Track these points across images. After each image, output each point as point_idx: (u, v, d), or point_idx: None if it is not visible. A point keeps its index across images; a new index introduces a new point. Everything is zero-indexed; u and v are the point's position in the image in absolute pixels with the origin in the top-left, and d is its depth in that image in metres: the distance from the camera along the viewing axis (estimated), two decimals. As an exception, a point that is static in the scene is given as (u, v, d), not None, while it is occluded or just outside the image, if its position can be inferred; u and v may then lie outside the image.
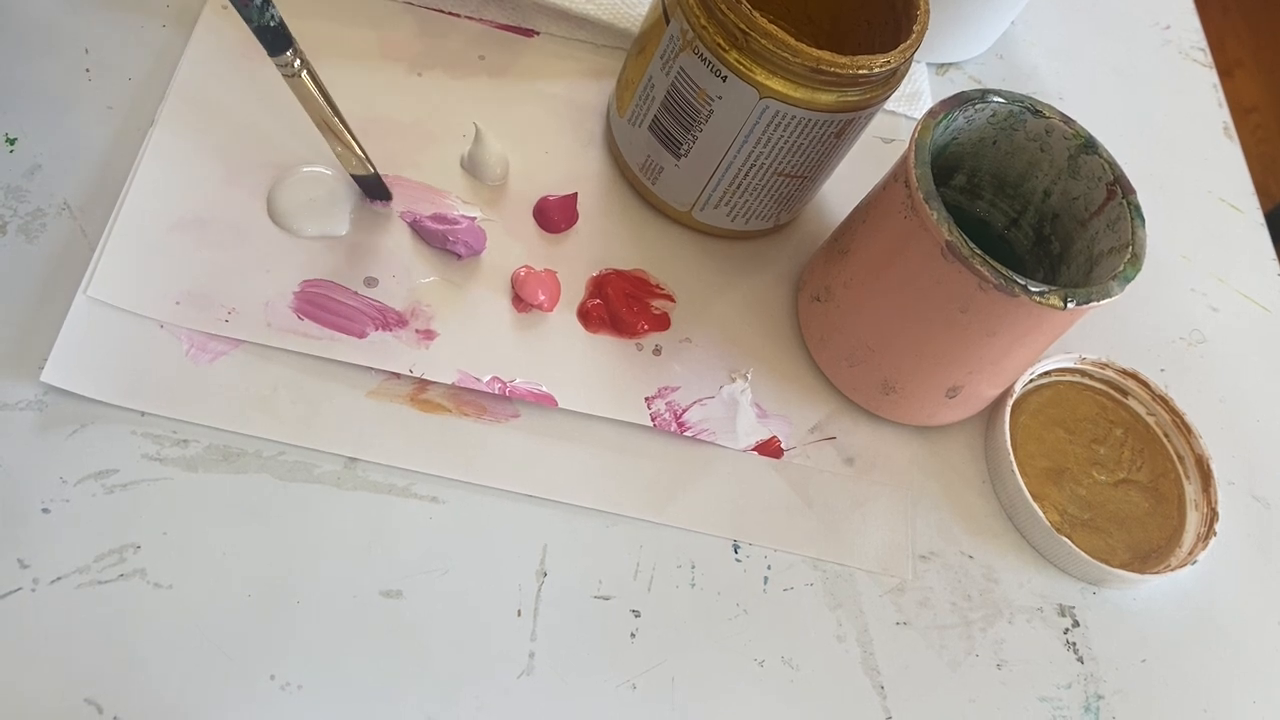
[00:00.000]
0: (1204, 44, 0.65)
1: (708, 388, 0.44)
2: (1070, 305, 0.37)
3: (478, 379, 0.41)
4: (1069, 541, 0.42)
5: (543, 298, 0.43)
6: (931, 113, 0.40)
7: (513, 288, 0.43)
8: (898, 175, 0.40)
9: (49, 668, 0.33)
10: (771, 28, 0.38)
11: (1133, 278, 0.39)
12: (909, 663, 0.40)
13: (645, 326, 0.44)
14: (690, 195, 0.45)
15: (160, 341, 0.39)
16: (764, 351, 0.45)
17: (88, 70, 0.44)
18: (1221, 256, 0.55)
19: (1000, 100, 0.41)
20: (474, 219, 0.44)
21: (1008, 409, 0.44)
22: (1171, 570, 0.43)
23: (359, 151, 0.41)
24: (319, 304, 0.41)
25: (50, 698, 0.33)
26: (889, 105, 0.54)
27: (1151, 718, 0.42)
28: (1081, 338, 0.49)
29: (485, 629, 0.37)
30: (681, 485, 0.41)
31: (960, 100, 0.41)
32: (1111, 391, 0.48)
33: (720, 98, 0.40)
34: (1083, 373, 0.48)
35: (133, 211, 0.41)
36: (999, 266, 0.37)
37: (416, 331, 0.41)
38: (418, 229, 0.43)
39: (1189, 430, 0.47)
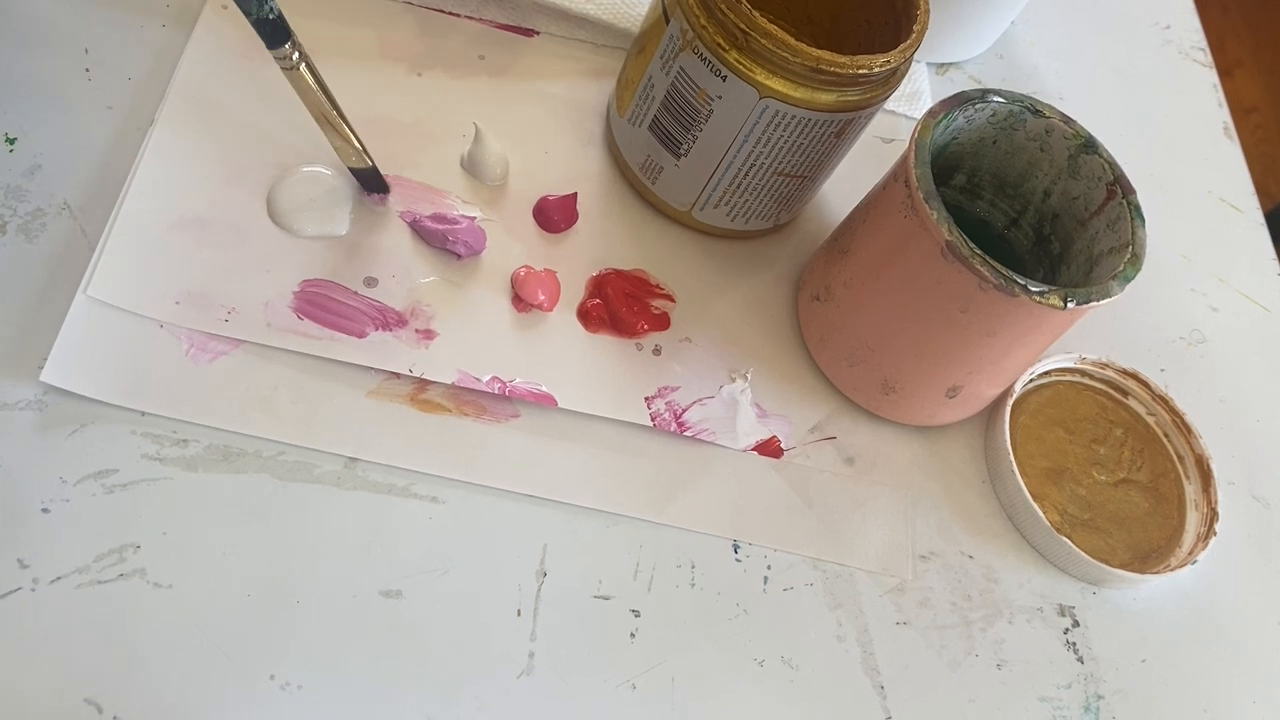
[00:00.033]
0: (1204, 44, 0.65)
1: (708, 388, 0.44)
2: (1070, 305, 0.37)
3: (477, 379, 0.41)
4: (1069, 541, 0.42)
5: (543, 297, 0.43)
6: (931, 112, 0.40)
7: (512, 288, 0.43)
8: (898, 175, 0.40)
9: (49, 668, 0.33)
10: (771, 27, 0.38)
11: (1133, 278, 0.39)
12: (909, 663, 0.40)
13: (645, 326, 0.44)
14: (690, 195, 0.45)
15: (160, 341, 0.39)
16: (764, 351, 0.45)
17: (87, 70, 0.44)
18: (1221, 256, 0.55)
19: (1000, 100, 0.41)
20: (474, 219, 0.44)
21: (1008, 409, 0.44)
22: (1171, 570, 0.43)
23: (357, 144, 0.41)
24: (319, 304, 0.41)
25: (50, 698, 0.33)
26: (889, 105, 0.54)
27: (1151, 718, 0.42)
28: (1081, 338, 0.49)
29: (485, 629, 0.37)
30: (681, 485, 0.41)
31: (960, 100, 0.41)
32: (1111, 391, 0.48)
33: (720, 97, 0.40)
34: (1083, 373, 0.48)
35: (133, 211, 0.41)
36: (999, 266, 0.37)
37: (416, 331, 0.41)
38: (417, 229, 0.43)
39: (1189, 430, 0.47)
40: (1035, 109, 0.42)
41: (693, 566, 0.40)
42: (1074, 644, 0.42)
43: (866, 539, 0.42)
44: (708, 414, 0.43)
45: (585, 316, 0.44)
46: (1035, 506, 0.43)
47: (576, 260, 0.45)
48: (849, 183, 0.48)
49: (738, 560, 0.41)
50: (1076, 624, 0.43)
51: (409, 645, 0.36)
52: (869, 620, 0.41)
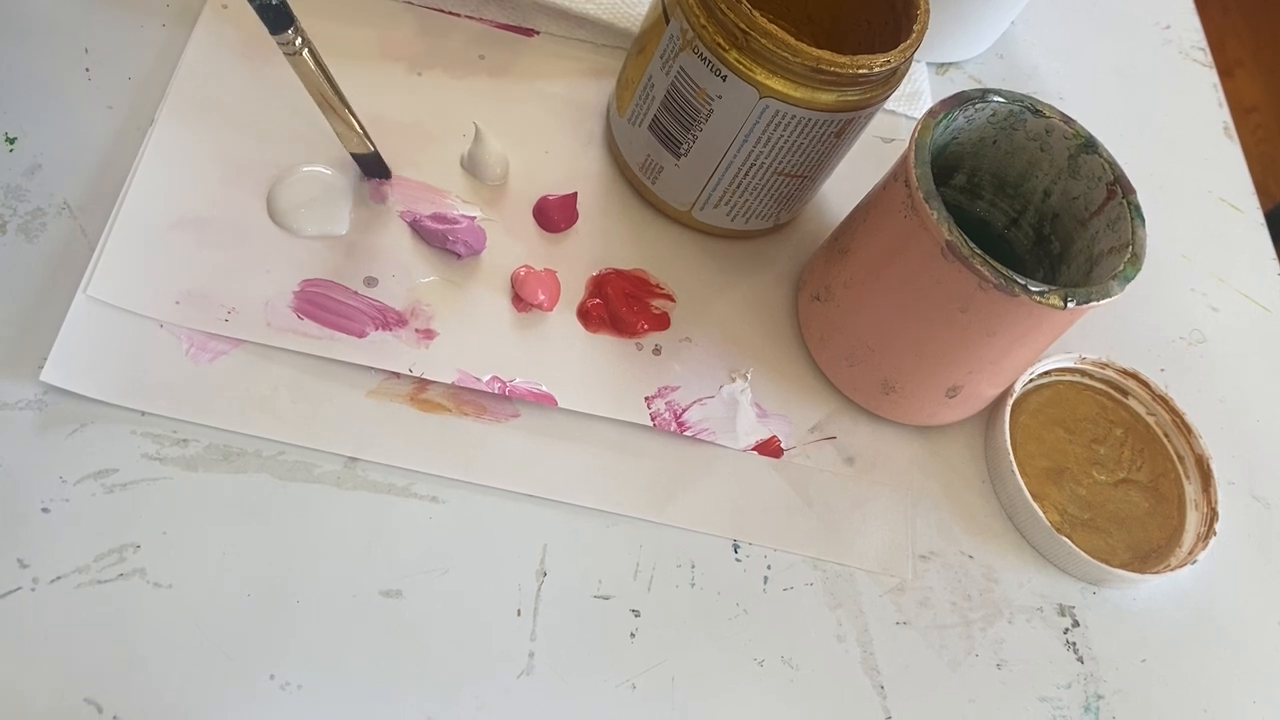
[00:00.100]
0: (1204, 44, 0.65)
1: (708, 387, 0.44)
2: (1070, 305, 0.37)
3: (477, 378, 0.41)
4: (1069, 541, 0.42)
5: (543, 297, 0.43)
6: (931, 112, 0.40)
7: (512, 287, 0.43)
8: (898, 175, 0.40)
9: (49, 667, 0.33)
10: (771, 27, 0.38)
11: (1133, 277, 0.39)
12: (909, 663, 0.40)
13: (645, 326, 0.44)
14: (690, 195, 0.45)
15: (160, 341, 0.39)
16: (764, 351, 0.45)
17: (88, 70, 0.44)
18: (1221, 256, 0.55)
19: (1000, 100, 0.41)
20: (474, 218, 0.44)
21: (1008, 409, 0.44)
22: (1171, 570, 0.43)
23: (359, 129, 0.41)
24: (319, 303, 0.41)
25: (50, 697, 0.33)
26: (889, 105, 0.54)
27: (1151, 718, 0.42)
28: (1081, 337, 0.49)
29: (485, 629, 0.37)
30: (681, 485, 0.41)
31: (960, 100, 0.41)
32: (1111, 391, 0.48)
33: (720, 97, 0.40)
34: (1083, 372, 0.48)
35: (133, 211, 0.41)
36: (999, 266, 0.37)
37: (416, 331, 0.41)
38: (418, 228, 0.43)
39: (1189, 430, 0.47)
40: (1035, 109, 0.42)
41: (693, 566, 0.40)
42: (1074, 644, 0.42)
43: (866, 539, 0.42)
44: (708, 414, 0.43)
45: (585, 316, 0.44)
46: (1035, 506, 0.43)
47: (576, 260, 0.45)
48: (849, 183, 0.48)
49: (738, 560, 0.41)
50: (1076, 624, 0.43)
51: (409, 645, 0.36)
52: (869, 620, 0.41)
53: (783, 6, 0.48)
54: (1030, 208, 0.45)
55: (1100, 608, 0.43)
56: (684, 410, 0.43)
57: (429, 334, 0.41)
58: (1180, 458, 0.47)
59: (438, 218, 0.44)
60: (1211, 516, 0.45)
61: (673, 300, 0.45)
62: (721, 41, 0.39)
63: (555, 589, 0.38)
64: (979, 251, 0.37)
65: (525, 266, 0.44)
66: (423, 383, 0.41)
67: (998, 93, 0.41)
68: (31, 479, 0.36)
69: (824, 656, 0.40)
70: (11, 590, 0.34)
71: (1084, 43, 0.62)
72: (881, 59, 0.39)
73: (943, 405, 0.43)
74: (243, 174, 0.43)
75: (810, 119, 0.40)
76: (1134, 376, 0.48)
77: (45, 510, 0.36)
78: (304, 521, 0.37)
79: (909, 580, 0.42)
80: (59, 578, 0.35)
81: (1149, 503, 0.45)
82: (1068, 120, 0.42)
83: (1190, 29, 0.65)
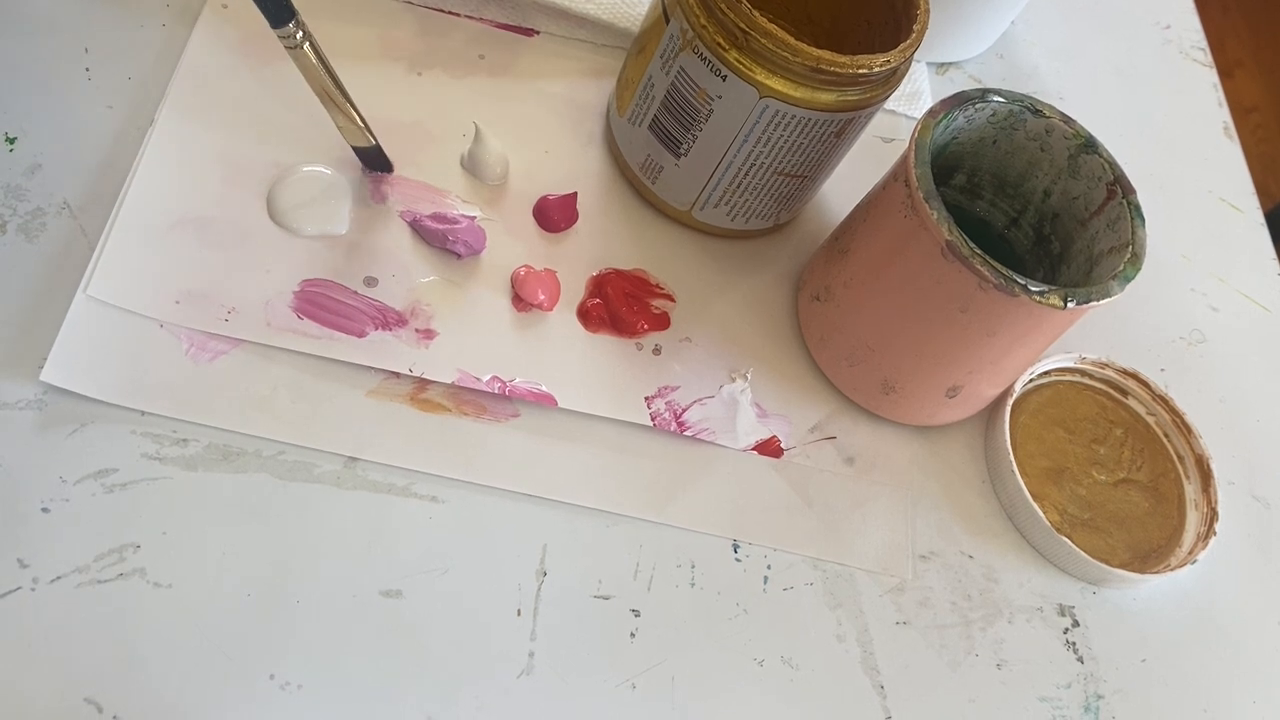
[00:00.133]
0: (1204, 44, 0.65)
1: (708, 387, 0.44)
2: (1070, 305, 0.37)
3: (477, 378, 0.41)
4: (1069, 541, 0.42)
5: (542, 297, 0.43)
6: (931, 112, 0.40)
7: (512, 287, 0.43)
8: (898, 175, 0.40)
9: (49, 667, 0.33)
10: (771, 27, 0.38)
11: (1133, 277, 0.39)
12: (909, 662, 0.40)
13: (645, 326, 0.44)
14: (690, 195, 0.45)
15: (160, 341, 0.39)
16: (764, 351, 0.45)
17: (87, 69, 0.44)
18: (1221, 256, 0.55)
19: (1000, 100, 0.41)
20: (474, 218, 0.44)
21: (1008, 409, 0.44)
22: (1171, 570, 0.43)
23: (360, 123, 0.41)
24: (319, 303, 0.41)
25: (50, 697, 0.33)
26: (889, 105, 0.54)
27: (1151, 718, 0.42)
28: (1081, 337, 0.49)
29: (485, 629, 0.37)
30: (681, 485, 0.41)
31: (960, 100, 0.41)
32: (1111, 391, 0.48)
33: (720, 97, 0.40)
34: (1083, 372, 0.48)
35: (133, 211, 0.41)
36: (999, 266, 0.37)
37: (416, 331, 0.41)
38: (417, 228, 0.43)
39: (1189, 430, 0.47)
40: (1035, 109, 0.42)
41: (693, 566, 0.40)
42: (1074, 644, 0.42)
43: (866, 539, 0.42)
44: (708, 414, 0.43)
45: (585, 316, 0.44)
46: (1035, 506, 0.43)
47: (576, 260, 0.45)
48: (849, 183, 0.47)
49: (738, 560, 0.41)
50: (1076, 624, 0.43)
51: (409, 645, 0.36)
52: (869, 620, 0.41)
53: (783, 6, 0.48)
54: (1030, 208, 0.45)
55: (1100, 608, 0.43)
56: (684, 410, 0.43)
57: (429, 334, 0.41)
58: (1180, 458, 0.47)
59: (438, 217, 0.44)
60: (1211, 516, 0.45)
61: (673, 300, 0.45)
62: (721, 41, 0.39)
63: (555, 589, 0.38)
64: (979, 251, 0.37)
65: (525, 266, 0.44)
66: (423, 382, 0.41)
67: (998, 93, 0.41)
68: (31, 479, 0.36)
69: (824, 656, 0.40)
70: (11, 590, 0.34)
71: (1084, 43, 0.62)
72: (881, 59, 0.39)
73: (943, 405, 0.43)
74: (243, 174, 0.43)
75: (810, 119, 0.40)
76: (1134, 376, 0.48)
77: (45, 510, 0.36)
78: (304, 521, 0.37)
79: (909, 580, 0.42)
80: (59, 578, 0.35)
81: (1149, 503, 0.45)
82: (1068, 120, 0.42)
83: (1190, 29, 0.65)
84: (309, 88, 0.40)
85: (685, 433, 0.42)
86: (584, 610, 0.38)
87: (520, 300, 0.43)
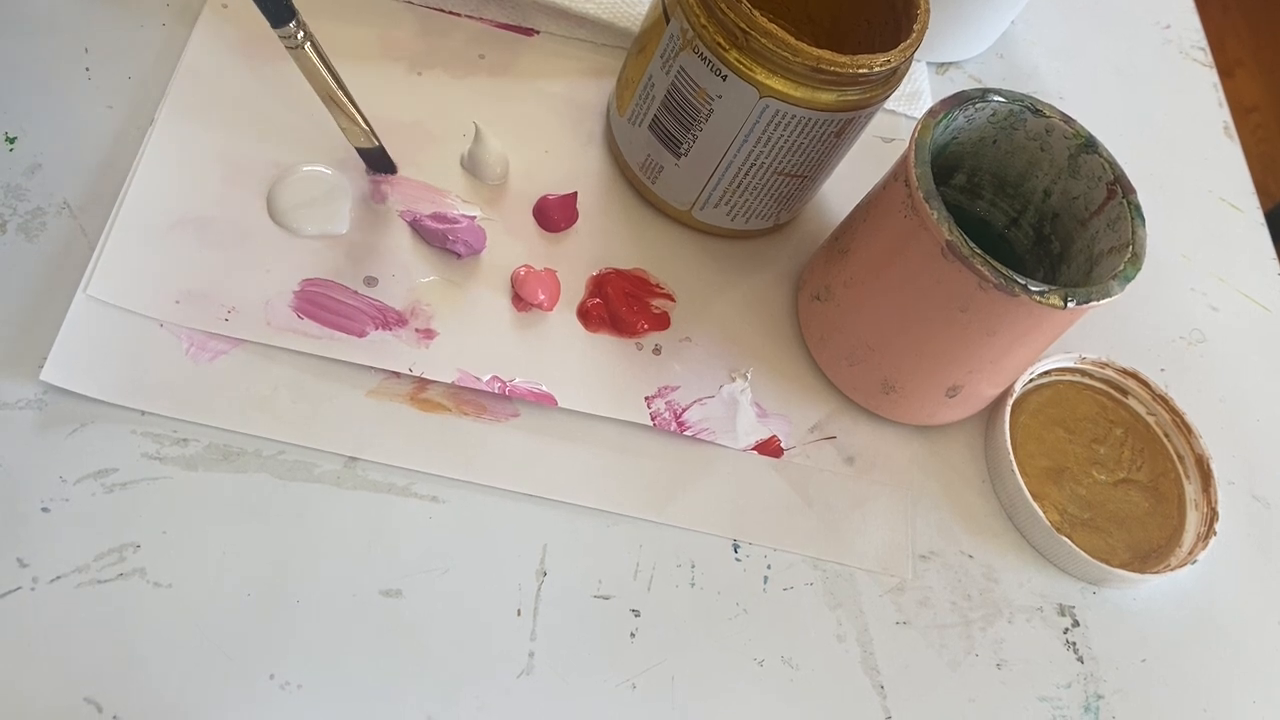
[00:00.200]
0: (1204, 43, 0.65)
1: (708, 387, 0.44)
2: (1070, 305, 0.37)
3: (477, 378, 0.41)
4: (1069, 541, 0.42)
5: (542, 297, 0.43)
6: (931, 112, 0.40)
7: (512, 287, 0.43)
8: (898, 174, 0.40)
9: (49, 667, 0.33)
10: (771, 27, 0.38)
11: (1133, 277, 0.39)
12: (909, 662, 0.40)
13: (645, 326, 0.44)
14: (690, 194, 0.45)
15: (160, 340, 0.39)
16: (764, 351, 0.45)
17: (87, 69, 0.44)
18: (1221, 256, 0.55)
19: (1000, 99, 0.41)
20: (474, 218, 0.44)
21: (1008, 408, 0.44)
22: (1171, 570, 0.43)
23: (363, 124, 0.41)
24: (319, 303, 0.41)
25: (50, 697, 0.33)
26: (889, 104, 0.54)
27: (1151, 718, 0.42)
28: (1081, 337, 0.49)
29: (485, 629, 0.37)
30: (681, 485, 0.41)
31: (960, 99, 0.41)
32: (1111, 391, 0.48)
33: (720, 97, 0.40)
34: (1083, 372, 0.48)
35: (133, 210, 0.41)
36: (999, 266, 0.37)
37: (416, 331, 0.41)
38: (418, 228, 0.43)
39: (1189, 430, 0.47)
40: (1035, 108, 0.42)
41: (693, 566, 0.40)
42: (1074, 644, 0.42)
43: (866, 539, 0.42)
44: (708, 413, 0.43)
45: (585, 316, 0.44)
46: (1035, 506, 0.43)
47: (576, 260, 0.45)
48: (849, 182, 0.47)
49: (738, 560, 0.41)
50: (1076, 624, 0.43)
51: (409, 645, 0.36)
52: (869, 620, 0.41)
53: (783, 6, 0.48)
54: (1030, 207, 0.45)
55: (1100, 608, 0.43)
56: (684, 410, 0.43)
57: (429, 334, 0.41)
58: (1180, 457, 0.47)
59: (438, 217, 0.44)
60: (1211, 516, 0.45)
61: (673, 300, 0.45)
62: (721, 41, 0.39)
63: (555, 589, 0.38)
64: (979, 251, 0.37)
65: (525, 266, 0.44)
66: (423, 382, 0.41)
67: (998, 92, 0.41)
68: (31, 479, 0.36)
69: (824, 656, 0.40)
70: (11, 590, 0.34)
71: (1084, 42, 0.62)
72: (881, 59, 0.39)
73: (943, 405, 0.43)
74: (243, 174, 0.43)
75: (810, 119, 0.40)
76: (1134, 376, 0.48)
77: (45, 510, 0.36)
78: (304, 521, 0.37)
79: (909, 580, 0.42)
80: (59, 577, 0.35)
81: (1149, 503, 0.45)
82: (1068, 120, 0.42)
83: (1190, 29, 0.65)
84: (309, 87, 0.40)
85: (685, 432, 0.42)
86: (584, 610, 0.38)
87: (520, 300, 0.43)
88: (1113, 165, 0.41)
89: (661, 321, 0.44)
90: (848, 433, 0.44)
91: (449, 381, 0.41)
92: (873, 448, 0.44)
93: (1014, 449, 0.44)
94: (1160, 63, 0.63)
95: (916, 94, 0.55)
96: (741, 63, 0.39)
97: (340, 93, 0.40)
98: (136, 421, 0.38)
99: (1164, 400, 0.47)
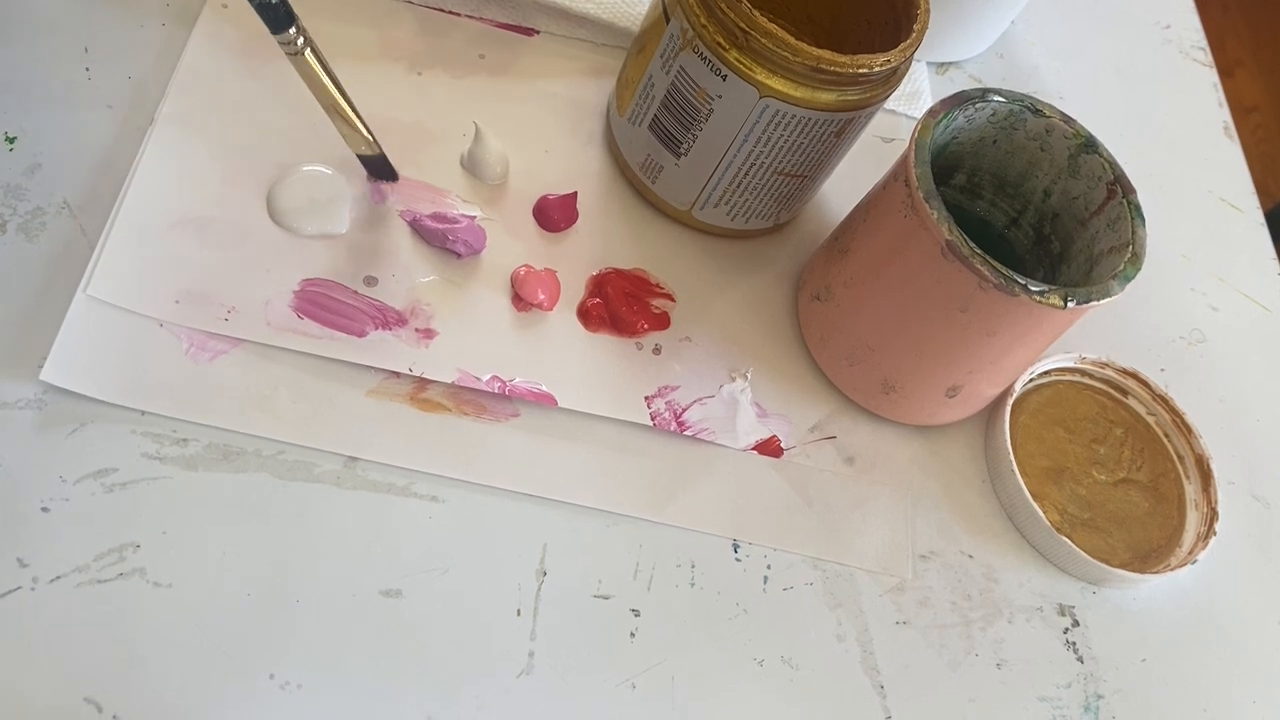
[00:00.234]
0: (1204, 43, 0.65)
1: (707, 387, 0.44)
2: (1070, 304, 0.37)
3: (477, 378, 0.41)
4: (1069, 541, 0.42)
5: (542, 297, 0.43)
6: (932, 112, 0.40)
7: (512, 287, 0.43)
8: (898, 174, 0.40)
9: (48, 667, 0.33)
10: (772, 27, 0.38)
11: (1133, 277, 0.39)
12: (909, 662, 0.40)
13: (645, 326, 0.44)
14: (690, 194, 0.45)
15: (160, 340, 0.39)
16: (764, 351, 0.45)
17: (87, 69, 0.44)
18: (1221, 256, 0.55)
19: (1000, 99, 0.41)
20: (474, 218, 0.44)
21: (1008, 408, 0.44)
22: (1171, 570, 0.43)
23: (364, 131, 0.41)
24: (319, 303, 0.41)
25: (50, 697, 0.33)
26: (889, 104, 0.54)
27: (1151, 718, 0.42)
28: (1081, 337, 0.49)
29: (485, 628, 0.37)
30: (681, 485, 0.41)
31: (960, 99, 0.41)
32: (1111, 391, 0.48)
33: (720, 97, 0.40)
34: (1083, 372, 0.48)
35: (132, 210, 0.41)
36: (999, 266, 0.37)
37: (416, 330, 0.41)
38: (417, 228, 0.43)
39: (1189, 430, 0.47)
40: (1035, 108, 0.42)
41: (693, 566, 0.40)
42: (1074, 644, 0.42)
43: (866, 538, 0.42)
44: (708, 413, 0.43)
45: (585, 316, 0.44)
46: (1035, 506, 0.43)
47: (576, 259, 0.45)
48: (849, 182, 0.47)
49: (738, 560, 0.41)
50: (1076, 624, 0.43)
51: (409, 645, 0.36)
52: (869, 620, 0.41)
53: (783, 6, 0.48)
54: (1030, 207, 0.45)
55: (1100, 608, 0.43)
56: (684, 410, 0.43)
57: (429, 333, 0.41)
58: (1180, 457, 0.47)
59: (438, 217, 0.44)
60: (1211, 516, 0.45)
61: (673, 300, 0.45)
62: (721, 41, 0.39)
63: (555, 589, 0.38)
64: (979, 251, 0.37)
65: (525, 266, 0.44)
66: (423, 382, 0.41)
67: (998, 92, 0.41)
68: (31, 479, 0.36)
69: (824, 656, 0.40)
70: (11, 590, 0.34)
71: (1084, 42, 0.62)
72: (881, 58, 0.39)
73: (943, 405, 0.43)
74: (243, 174, 0.43)
75: (810, 118, 0.40)
76: (1134, 376, 0.48)
77: (45, 510, 0.36)
78: (304, 521, 0.37)
79: (909, 580, 0.42)
80: (59, 577, 0.35)
81: (1149, 502, 0.45)
82: (1068, 120, 0.42)
83: (1190, 29, 0.65)
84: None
85: (685, 432, 0.42)
86: (584, 610, 0.38)
87: (520, 300, 0.43)
88: (1113, 165, 0.41)
89: (661, 321, 0.44)
90: (848, 433, 0.44)
91: (449, 381, 0.41)
92: (873, 448, 0.44)
93: (1014, 449, 0.44)
94: (1160, 63, 0.63)
95: (916, 94, 0.55)
96: (741, 63, 0.39)
97: (341, 99, 0.40)
98: (136, 421, 0.38)
99: (1164, 400, 0.47)
